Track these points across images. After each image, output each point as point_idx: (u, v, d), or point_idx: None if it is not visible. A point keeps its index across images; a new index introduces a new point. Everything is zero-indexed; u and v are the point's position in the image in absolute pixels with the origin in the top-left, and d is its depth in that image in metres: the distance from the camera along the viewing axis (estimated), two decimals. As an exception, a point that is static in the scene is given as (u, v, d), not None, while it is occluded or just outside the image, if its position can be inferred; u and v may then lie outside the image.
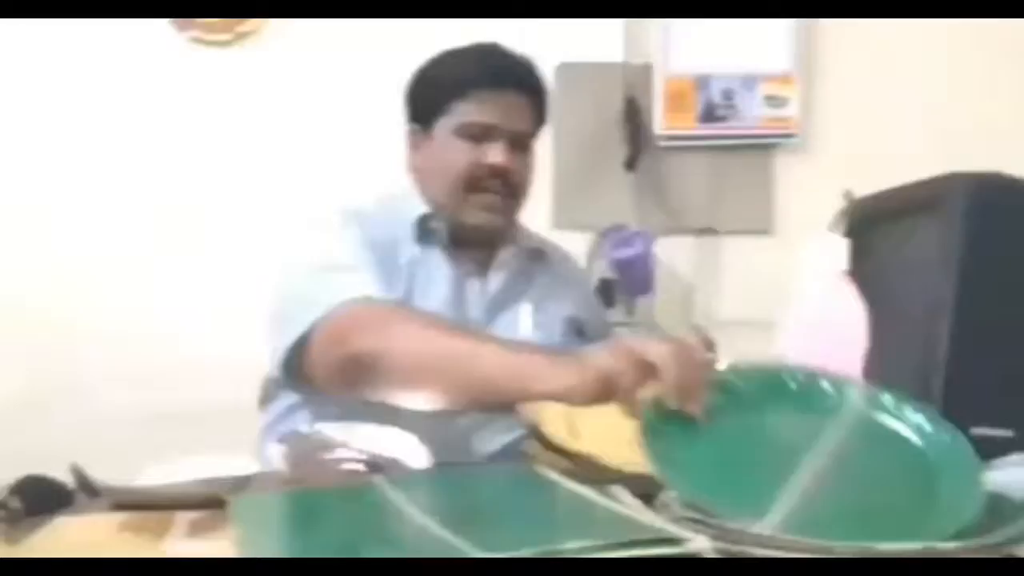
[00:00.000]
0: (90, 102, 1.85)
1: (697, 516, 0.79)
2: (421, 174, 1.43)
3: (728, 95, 1.94)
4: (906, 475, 0.89)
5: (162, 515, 0.98)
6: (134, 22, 1.82)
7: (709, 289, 1.94)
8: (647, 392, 0.96)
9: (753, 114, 1.94)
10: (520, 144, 1.39)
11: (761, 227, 1.96)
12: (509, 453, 1.36)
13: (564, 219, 1.90)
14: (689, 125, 1.93)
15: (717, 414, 0.94)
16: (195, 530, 0.95)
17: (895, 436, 0.92)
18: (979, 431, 1.03)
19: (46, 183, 1.86)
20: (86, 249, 1.88)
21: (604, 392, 1.02)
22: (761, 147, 1.96)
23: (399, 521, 0.89)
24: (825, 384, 0.96)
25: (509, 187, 1.39)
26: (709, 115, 1.94)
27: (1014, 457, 0.98)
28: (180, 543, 0.90)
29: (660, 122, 1.92)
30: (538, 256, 1.43)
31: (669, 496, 0.84)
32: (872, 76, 1.94)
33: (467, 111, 1.37)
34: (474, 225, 1.39)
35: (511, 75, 1.39)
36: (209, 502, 1.01)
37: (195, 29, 1.85)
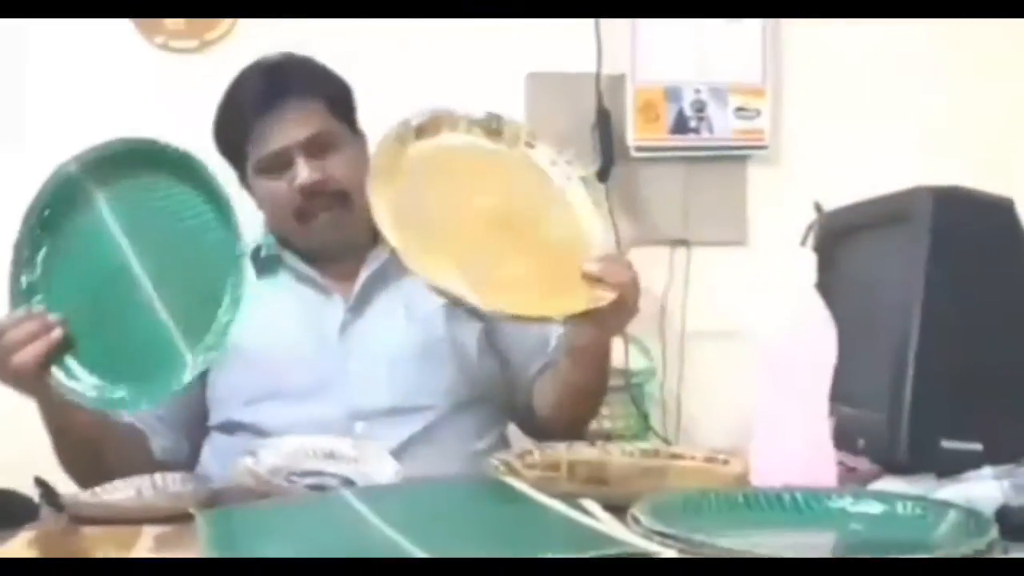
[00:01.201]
0: (57, 105, 1.83)
1: (667, 531, 0.79)
2: (264, 212, 1.42)
3: (699, 106, 1.94)
4: None
5: (129, 529, 0.98)
6: (100, 26, 1.81)
7: (681, 300, 1.94)
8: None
9: (724, 125, 1.94)
10: (323, 147, 1.35)
11: (734, 239, 1.97)
12: (492, 451, 1.36)
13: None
14: (661, 136, 1.93)
15: None
16: (161, 544, 0.94)
17: None
18: (948, 444, 1.04)
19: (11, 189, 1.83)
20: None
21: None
22: (733, 159, 1.97)
23: (364, 534, 0.88)
24: None
25: (336, 195, 1.36)
26: (681, 126, 1.94)
27: (984, 471, 0.98)
28: (147, 556, 0.90)
29: (632, 133, 1.93)
30: None
31: (639, 510, 0.84)
32: (842, 87, 1.96)
33: (256, 148, 1.35)
34: (321, 247, 1.38)
35: (283, 87, 1.36)
36: (176, 516, 1.01)
37: (162, 35, 1.83)
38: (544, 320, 1.17)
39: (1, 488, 1.07)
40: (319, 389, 1.34)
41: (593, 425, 1.77)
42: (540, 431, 1.47)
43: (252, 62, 1.40)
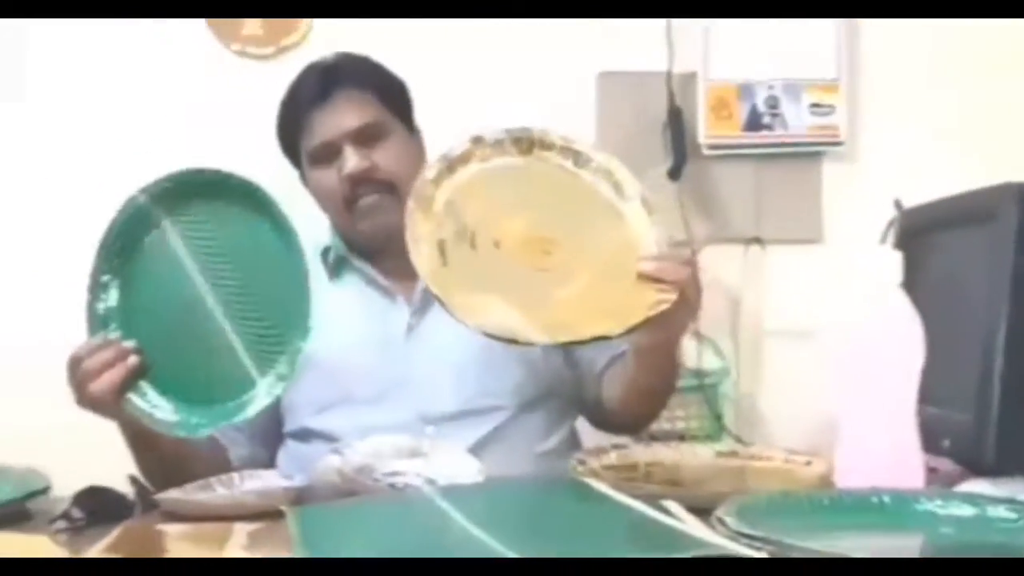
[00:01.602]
0: (133, 110, 1.88)
1: (754, 532, 0.79)
2: (319, 205, 1.44)
3: (772, 103, 1.93)
4: None
5: (221, 525, 1.00)
6: (177, 32, 1.86)
7: (755, 299, 1.93)
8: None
9: (798, 122, 1.92)
10: (371, 137, 1.38)
11: (809, 236, 1.95)
12: (562, 452, 1.37)
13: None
14: (733, 133, 1.92)
15: None
16: (254, 540, 0.96)
17: None
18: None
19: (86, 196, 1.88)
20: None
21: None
22: (807, 155, 1.94)
23: (450, 532, 0.90)
24: None
25: (384, 184, 1.37)
26: (754, 123, 1.93)
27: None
28: (240, 553, 0.92)
29: (704, 130, 1.92)
30: None
31: (725, 511, 0.84)
32: (921, 82, 1.92)
33: (307, 141, 1.39)
34: (368, 236, 1.39)
35: (334, 81, 1.39)
36: (266, 513, 1.03)
37: (239, 42, 1.87)
38: (603, 339, 1.10)
39: (97, 486, 1.10)
40: (388, 395, 1.35)
41: (666, 425, 1.77)
42: (608, 425, 1.47)
43: (308, 63, 1.44)
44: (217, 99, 1.85)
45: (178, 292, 1.16)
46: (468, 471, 1.16)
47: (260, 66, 1.86)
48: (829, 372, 1.10)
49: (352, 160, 1.36)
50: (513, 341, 1.08)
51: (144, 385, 1.15)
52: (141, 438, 1.21)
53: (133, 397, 1.14)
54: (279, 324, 1.13)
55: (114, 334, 1.16)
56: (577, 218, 1.19)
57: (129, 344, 1.15)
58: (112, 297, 1.18)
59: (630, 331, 1.10)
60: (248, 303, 1.15)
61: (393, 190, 1.37)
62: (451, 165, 1.18)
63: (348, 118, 1.37)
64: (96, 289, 1.18)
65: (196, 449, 1.29)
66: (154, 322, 1.17)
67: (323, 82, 1.40)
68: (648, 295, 1.12)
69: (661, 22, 1.88)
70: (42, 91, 1.88)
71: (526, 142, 1.21)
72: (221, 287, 1.15)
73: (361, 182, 1.36)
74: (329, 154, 1.38)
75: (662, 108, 1.91)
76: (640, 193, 1.21)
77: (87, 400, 1.14)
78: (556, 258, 1.15)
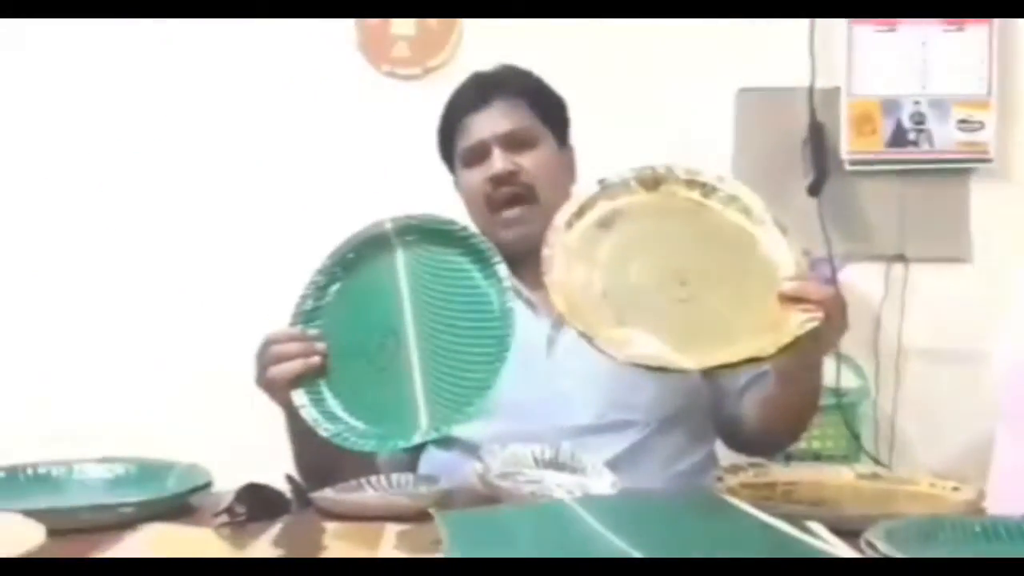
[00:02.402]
0: (284, 131, 1.98)
1: (898, 555, 0.78)
2: (466, 209, 1.47)
3: (918, 118, 1.89)
4: None
5: (373, 525, 1.05)
6: (330, 53, 1.95)
7: (898, 318, 1.89)
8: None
9: (945, 138, 1.88)
10: (519, 143, 1.40)
11: (955, 255, 1.90)
12: (699, 473, 1.37)
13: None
14: (877, 149, 1.89)
15: None
16: (403, 540, 1.00)
17: None
18: None
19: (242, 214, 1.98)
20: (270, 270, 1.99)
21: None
22: (954, 172, 1.90)
23: (592, 541, 0.92)
24: None
25: (526, 190, 1.39)
26: (898, 139, 1.89)
27: None
28: (391, 554, 0.96)
29: (846, 146, 1.89)
30: None
31: (874, 535, 0.83)
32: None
33: (461, 142, 1.43)
34: (507, 242, 1.39)
35: (493, 87, 1.42)
36: (416, 514, 1.07)
37: (389, 63, 1.95)
38: (755, 361, 1.09)
39: (257, 483, 1.16)
40: (527, 407, 1.36)
41: (802, 444, 1.75)
42: (746, 445, 1.45)
43: (473, 72, 1.49)
44: (368, 118, 1.93)
45: (384, 315, 1.22)
46: (603, 484, 1.18)
47: (407, 86, 1.94)
48: (974, 394, 1.07)
49: (499, 162, 1.40)
50: (663, 369, 1.09)
51: (321, 385, 1.22)
52: (301, 431, 1.27)
53: (307, 394, 1.21)
54: (464, 371, 1.19)
55: (313, 331, 1.24)
56: (710, 247, 1.20)
57: (320, 345, 1.22)
58: (325, 300, 1.26)
59: (781, 351, 1.10)
60: (441, 344, 1.21)
61: (533, 195, 1.40)
62: (580, 210, 1.21)
63: (500, 122, 1.42)
64: (313, 288, 1.26)
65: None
66: (351, 334, 1.24)
67: (482, 88, 1.45)
68: (793, 317, 1.11)
69: (803, 37, 1.87)
70: (209, 114, 1.99)
71: (651, 180, 1.23)
72: (422, 321, 1.22)
73: (504, 183, 1.40)
74: (479, 155, 1.42)
75: (801, 124, 1.90)
76: (770, 216, 1.21)
77: (264, 380, 1.22)
78: (693, 288, 1.16)
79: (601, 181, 1.22)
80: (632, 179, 1.22)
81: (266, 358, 1.22)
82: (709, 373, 1.41)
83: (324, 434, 1.20)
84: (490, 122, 1.41)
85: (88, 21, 1.92)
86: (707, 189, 1.23)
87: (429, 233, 1.26)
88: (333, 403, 1.21)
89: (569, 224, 1.20)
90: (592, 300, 1.14)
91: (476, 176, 1.42)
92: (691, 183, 1.23)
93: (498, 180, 1.39)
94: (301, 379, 1.21)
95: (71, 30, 1.95)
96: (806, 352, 1.16)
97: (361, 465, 1.34)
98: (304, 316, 1.25)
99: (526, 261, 1.41)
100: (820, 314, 1.11)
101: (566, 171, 1.46)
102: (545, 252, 1.18)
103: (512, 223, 1.40)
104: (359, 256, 1.27)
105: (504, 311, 1.20)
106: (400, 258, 1.26)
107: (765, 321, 1.12)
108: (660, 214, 1.22)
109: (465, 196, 1.47)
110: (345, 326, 1.24)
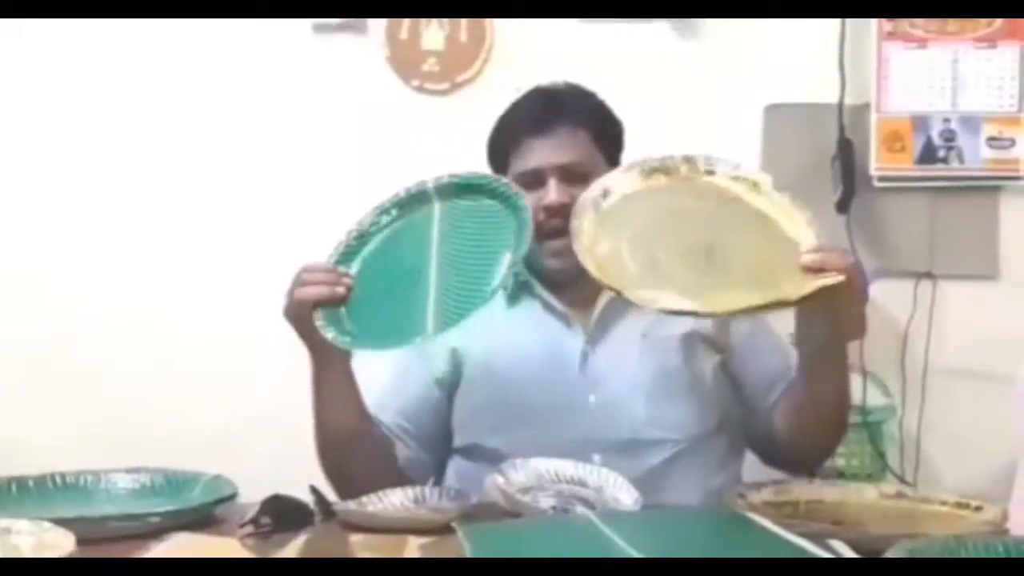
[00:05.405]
0: (315, 144, 2.00)
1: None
2: None
3: (948, 135, 1.88)
4: None
5: (397, 538, 1.06)
6: (360, 69, 1.97)
7: (925, 336, 1.87)
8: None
9: (975, 155, 1.87)
10: (577, 176, 1.40)
11: (984, 273, 1.88)
12: (729, 488, 1.37)
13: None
14: (906, 166, 1.88)
15: None
16: (426, 553, 1.01)
17: None
18: None
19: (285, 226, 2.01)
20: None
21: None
22: (984, 189, 1.88)
23: (610, 557, 0.92)
24: None
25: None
26: (928, 156, 1.88)
27: None
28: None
29: (875, 163, 1.88)
30: None
31: (895, 554, 0.83)
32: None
33: (517, 162, 1.43)
34: (555, 270, 1.41)
35: (556, 113, 1.42)
36: (438, 528, 1.08)
37: (418, 79, 1.98)
38: (781, 305, 1.16)
39: (281, 494, 1.17)
40: (559, 419, 1.37)
41: (827, 463, 1.74)
42: (780, 460, 1.45)
43: (536, 87, 1.49)
44: (398, 132, 1.95)
45: (413, 258, 1.30)
46: (626, 500, 1.18)
47: (437, 101, 1.96)
48: (1004, 414, 1.06)
49: (553, 193, 1.40)
50: (693, 313, 1.17)
51: (342, 311, 1.27)
52: (327, 388, 1.31)
53: (325, 317, 1.25)
54: (471, 288, 1.24)
55: (343, 268, 1.31)
56: (734, 226, 1.26)
57: (347, 279, 1.28)
58: (361, 247, 1.34)
59: (804, 300, 1.16)
60: (458, 275, 1.27)
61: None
62: (606, 191, 1.29)
63: (560, 153, 1.42)
64: (353, 234, 1.34)
65: (370, 429, 1.36)
66: (380, 275, 1.31)
67: (546, 109, 1.44)
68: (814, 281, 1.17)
69: (832, 53, 1.87)
70: (238, 128, 2.01)
71: (673, 166, 1.31)
72: (446, 259, 1.29)
73: (557, 215, 1.40)
74: (534, 181, 1.42)
75: (830, 140, 1.89)
76: (776, 189, 1.28)
77: (290, 303, 1.27)
78: (717, 261, 1.21)
79: (629, 164, 1.32)
80: (656, 164, 1.30)
81: (295, 281, 1.27)
82: (731, 379, 1.43)
83: (339, 343, 1.24)
84: (550, 151, 1.41)
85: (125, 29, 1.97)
86: (727, 175, 1.30)
87: (465, 187, 1.34)
88: (350, 325, 1.26)
89: (596, 203, 1.27)
90: (620, 266, 1.20)
91: (528, 200, 1.43)
92: (710, 171, 1.30)
93: (552, 212, 1.40)
94: (322, 304, 1.26)
95: (103, 29, 1.99)
96: (825, 321, 1.22)
97: (379, 452, 1.35)
98: (340, 256, 1.33)
99: (567, 284, 1.42)
100: (840, 277, 1.16)
101: None
102: (574, 224, 1.25)
103: (560, 253, 1.40)
104: (400, 211, 1.35)
105: (521, 224, 1.26)
106: (437, 206, 1.34)
107: (789, 282, 1.17)
108: (683, 195, 1.29)
109: None
110: (374, 267, 1.32)
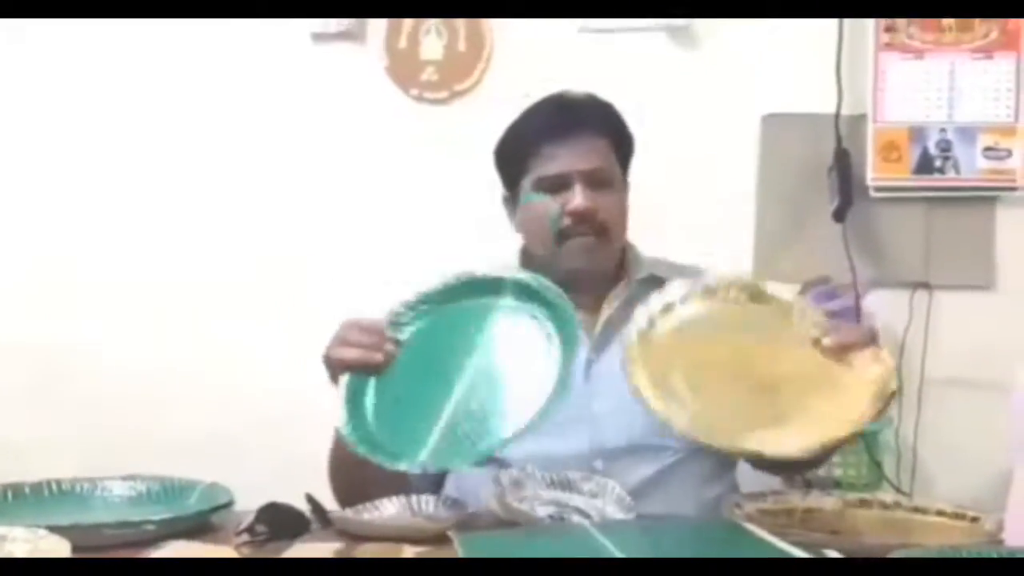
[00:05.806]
0: (314, 154, 2.01)
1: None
2: (521, 233, 1.49)
3: (944, 146, 1.89)
4: None
5: (391, 546, 1.06)
6: (359, 78, 1.98)
7: (921, 346, 1.87)
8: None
9: (971, 166, 1.87)
10: (599, 182, 1.41)
11: (980, 283, 1.89)
12: (726, 497, 1.37)
13: (767, 271, 1.89)
14: (903, 176, 1.88)
15: None
16: (421, 563, 1.01)
17: None
18: None
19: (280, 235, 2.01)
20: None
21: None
22: (980, 200, 1.89)
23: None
24: None
25: (597, 227, 1.41)
26: (924, 166, 1.89)
27: None
28: None
29: (871, 173, 1.89)
30: (653, 284, 1.38)
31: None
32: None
33: (541, 166, 1.43)
34: (571, 270, 1.41)
35: (578, 120, 1.43)
36: (435, 537, 1.08)
37: (417, 88, 1.99)
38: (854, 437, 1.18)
39: (278, 502, 1.17)
40: (563, 427, 1.36)
41: (823, 472, 1.74)
42: (771, 464, 1.45)
43: (555, 94, 1.49)
44: (397, 141, 1.96)
45: (455, 351, 1.25)
46: (621, 509, 1.18)
47: (436, 110, 1.97)
48: (998, 424, 1.07)
49: (579, 198, 1.41)
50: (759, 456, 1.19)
51: (369, 383, 1.24)
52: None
53: (349, 385, 1.23)
54: (479, 432, 1.18)
55: (392, 334, 1.27)
56: (770, 350, 1.25)
57: (390, 347, 1.25)
58: (416, 321, 1.28)
59: (879, 413, 1.16)
60: (485, 384, 1.22)
61: (606, 233, 1.43)
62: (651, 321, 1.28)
63: (586, 158, 1.43)
64: (409, 307, 1.29)
65: None
66: (419, 357, 1.26)
67: (565, 116, 1.45)
68: (858, 366, 1.19)
69: (829, 64, 1.87)
70: (238, 137, 2.02)
71: (711, 287, 1.30)
72: (478, 373, 1.23)
73: (582, 220, 1.41)
74: (558, 185, 1.43)
75: (827, 150, 1.90)
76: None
77: (327, 354, 1.26)
78: (767, 398, 1.20)
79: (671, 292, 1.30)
80: (724, 286, 1.30)
81: (339, 335, 1.27)
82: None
83: (338, 423, 1.21)
84: (575, 156, 1.42)
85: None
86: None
87: (531, 293, 1.29)
88: (368, 401, 1.23)
89: (651, 323, 1.27)
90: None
91: (551, 204, 1.43)
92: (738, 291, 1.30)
93: (578, 216, 1.40)
94: (354, 369, 1.24)
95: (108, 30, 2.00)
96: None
97: (391, 479, 1.35)
98: (393, 322, 1.28)
99: (575, 287, 1.42)
100: (886, 356, 1.20)
101: (626, 210, 1.48)
102: (629, 355, 1.24)
103: (580, 252, 1.41)
104: (468, 290, 1.30)
105: (561, 381, 1.20)
106: (493, 303, 1.29)
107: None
108: (723, 321, 1.29)
109: (528, 217, 1.47)
110: (421, 349, 1.26)
